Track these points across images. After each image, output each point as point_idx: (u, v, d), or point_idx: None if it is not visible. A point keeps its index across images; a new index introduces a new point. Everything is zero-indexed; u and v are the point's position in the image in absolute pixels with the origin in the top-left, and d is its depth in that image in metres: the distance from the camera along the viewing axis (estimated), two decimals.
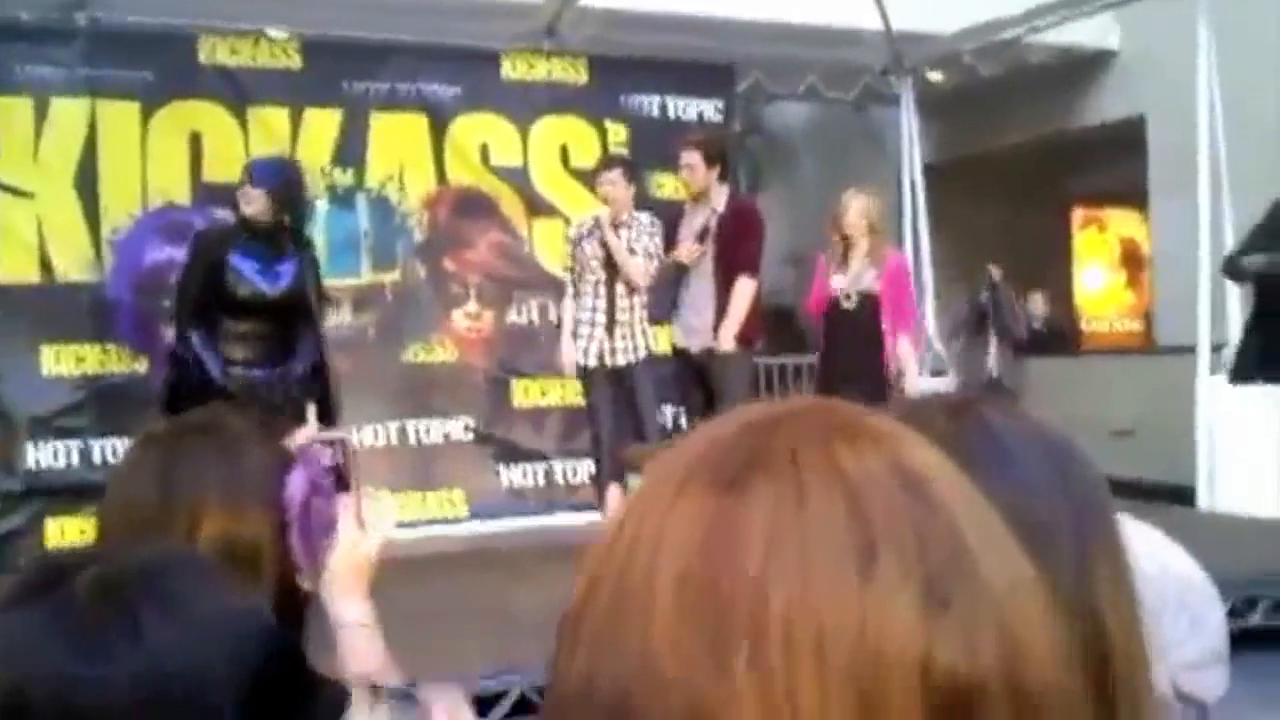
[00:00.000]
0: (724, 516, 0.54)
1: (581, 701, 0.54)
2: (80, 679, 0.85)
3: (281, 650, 0.98)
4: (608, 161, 7.16)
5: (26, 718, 0.84)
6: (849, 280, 6.83)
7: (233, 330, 5.69)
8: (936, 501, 0.56)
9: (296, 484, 1.46)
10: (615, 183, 6.64)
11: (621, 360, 6.56)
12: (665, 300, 6.84)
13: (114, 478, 1.54)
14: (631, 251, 6.56)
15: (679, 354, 6.87)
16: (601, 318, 6.60)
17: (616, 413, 6.61)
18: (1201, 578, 1.24)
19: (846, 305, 6.82)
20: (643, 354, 6.62)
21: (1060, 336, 11.14)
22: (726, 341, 6.53)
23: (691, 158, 6.70)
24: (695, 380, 6.55)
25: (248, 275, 5.71)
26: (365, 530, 1.57)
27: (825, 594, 0.52)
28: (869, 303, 6.85)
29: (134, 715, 0.85)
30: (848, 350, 6.89)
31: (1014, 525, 0.92)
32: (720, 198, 6.75)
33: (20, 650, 0.87)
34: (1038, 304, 11.11)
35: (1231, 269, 6.91)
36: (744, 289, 6.61)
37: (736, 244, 6.64)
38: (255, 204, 5.81)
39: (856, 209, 6.85)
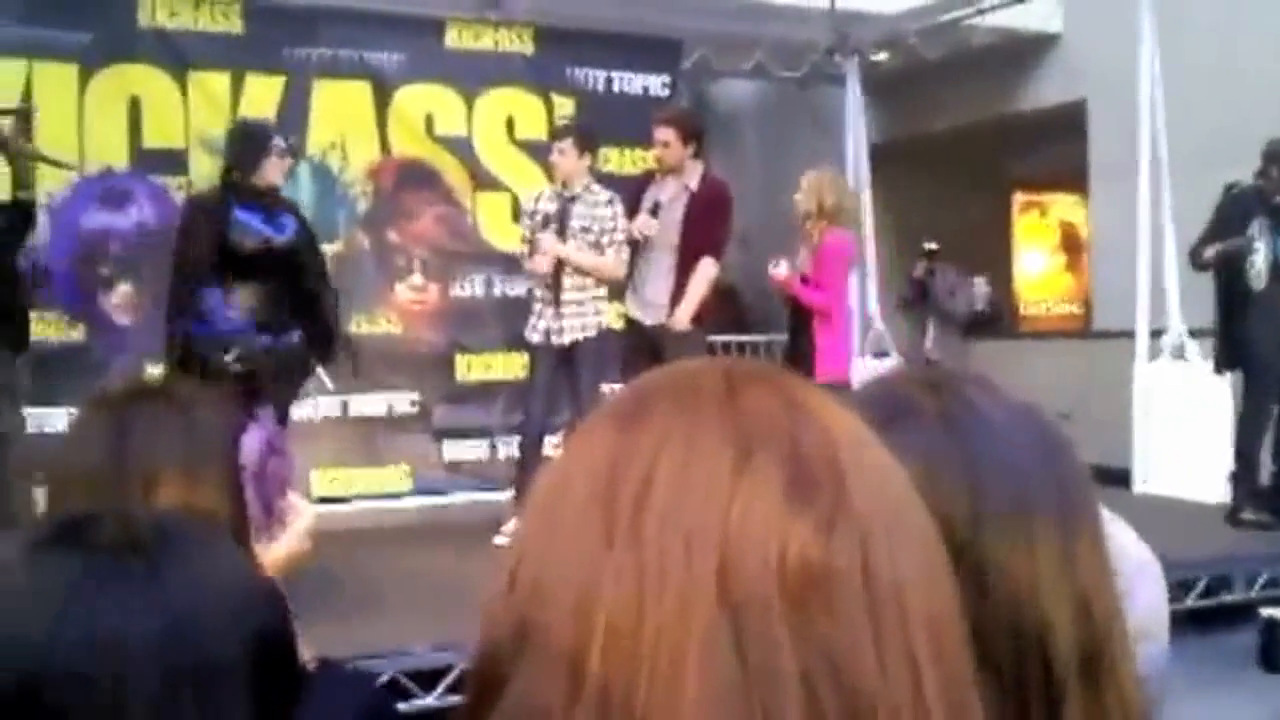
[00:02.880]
0: (629, 432, 0.63)
1: (509, 587, 0.62)
2: (109, 627, 0.87)
3: (284, 612, 1.00)
4: (560, 130, 7.04)
5: (57, 664, 0.86)
6: (796, 265, 6.79)
7: (235, 292, 5.60)
8: (817, 424, 0.63)
9: (252, 444, 1.45)
10: (565, 152, 6.52)
11: (568, 338, 6.48)
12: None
13: (64, 442, 1.51)
14: (586, 230, 6.46)
15: (631, 327, 6.83)
16: (549, 294, 6.53)
17: (556, 390, 6.55)
18: (1139, 551, 1.24)
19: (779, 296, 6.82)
20: (592, 332, 6.51)
21: (1001, 319, 11.21)
22: (682, 321, 6.51)
23: (667, 134, 6.61)
24: (646, 355, 6.49)
25: (255, 226, 5.63)
26: (285, 529, 1.56)
27: (700, 486, 0.59)
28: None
29: (156, 663, 0.87)
30: (790, 335, 6.94)
31: (1003, 503, 0.92)
32: (694, 176, 6.67)
33: (55, 597, 0.88)
34: (980, 287, 11.20)
35: (1193, 259, 6.98)
36: (706, 271, 6.59)
37: (706, 225, 6.59)
38: (285, 171, 5.90)
39: (804, 190, 6.81)
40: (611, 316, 6.88)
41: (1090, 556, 0.94)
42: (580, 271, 6.47)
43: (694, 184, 6.64)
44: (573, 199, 6.51)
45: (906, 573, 0.60)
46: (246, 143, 5.86)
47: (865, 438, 0.65)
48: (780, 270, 6.72)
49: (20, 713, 0.85)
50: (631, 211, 6.65)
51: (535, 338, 6.58)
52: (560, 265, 6.47)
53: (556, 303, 6.48)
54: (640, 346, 6.65)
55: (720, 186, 6.83)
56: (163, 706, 0.87)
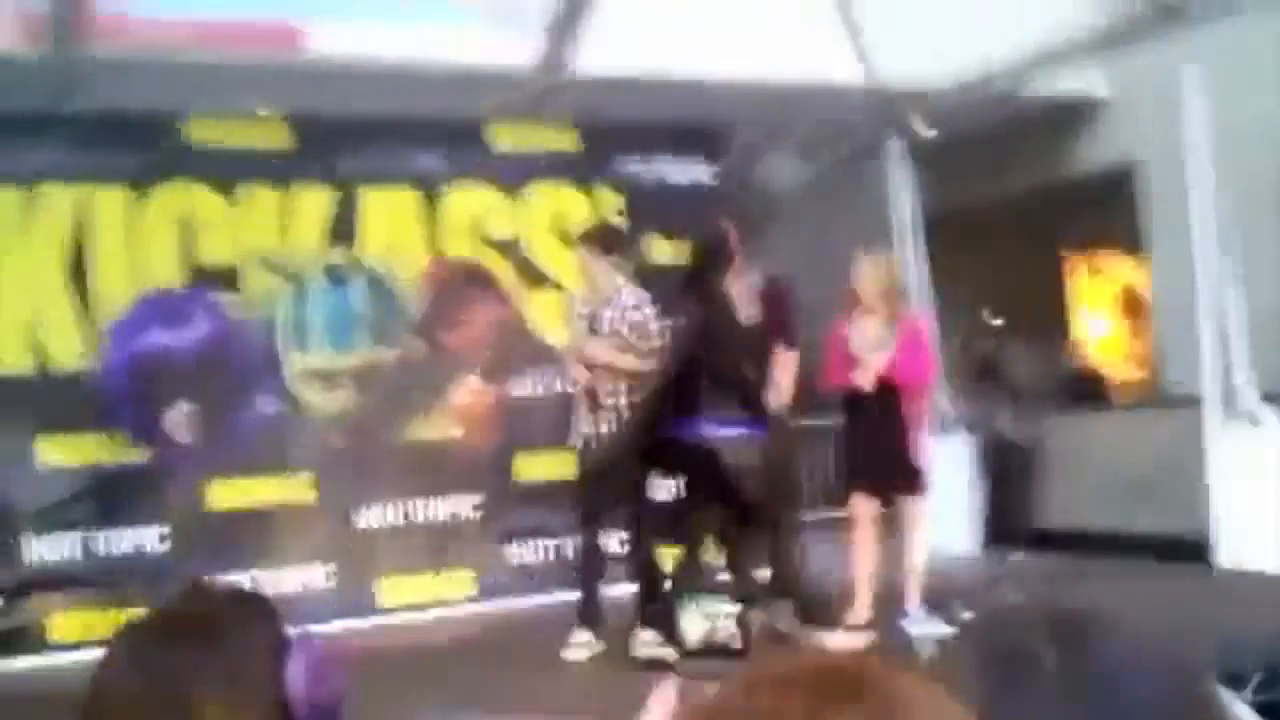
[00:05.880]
0: None
1: None
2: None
3: None
4: (578, 236, 7.09)
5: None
6: (867, 351, 6.53)
7: None
8: None
9: (296, 678, 1.38)
10: (583, 257, 6.71)
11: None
12: None
13: (98, 674, 1.43)
14: (615, 334, 6.47)
15: None
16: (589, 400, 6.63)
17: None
18: None
19: (864, 379, 6.45)
20: None
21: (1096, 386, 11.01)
22: (782, 402, 6.43)
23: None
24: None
25: None
26: None
27: None
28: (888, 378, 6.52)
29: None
30: (869, 428, 6.54)
31: None
32: (753, 274, 6.61)
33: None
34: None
35: None
36: (787, 361, 6.49)
37: (777, 321, 6.51)
38: None
39: (880, 267, 6.68)
40: None
41: None
42: (613, 373, 6.45)
43: (756, 283, 6.54)
44: (605, 303, 6.54)
45: None
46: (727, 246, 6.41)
47: None
48: (885, 355, 6.48)
49: None
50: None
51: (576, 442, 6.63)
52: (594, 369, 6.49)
53: (595, 408, 6.49)
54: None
55: (781, 285, 6.72)
56: None
